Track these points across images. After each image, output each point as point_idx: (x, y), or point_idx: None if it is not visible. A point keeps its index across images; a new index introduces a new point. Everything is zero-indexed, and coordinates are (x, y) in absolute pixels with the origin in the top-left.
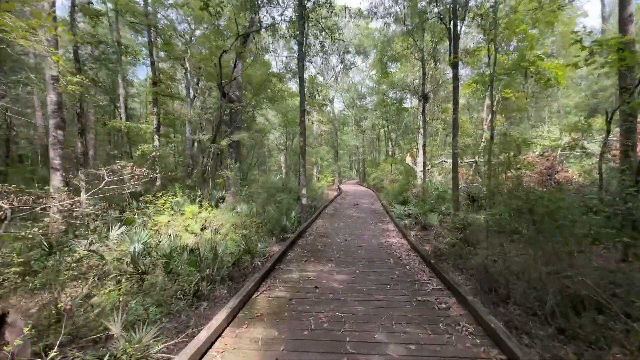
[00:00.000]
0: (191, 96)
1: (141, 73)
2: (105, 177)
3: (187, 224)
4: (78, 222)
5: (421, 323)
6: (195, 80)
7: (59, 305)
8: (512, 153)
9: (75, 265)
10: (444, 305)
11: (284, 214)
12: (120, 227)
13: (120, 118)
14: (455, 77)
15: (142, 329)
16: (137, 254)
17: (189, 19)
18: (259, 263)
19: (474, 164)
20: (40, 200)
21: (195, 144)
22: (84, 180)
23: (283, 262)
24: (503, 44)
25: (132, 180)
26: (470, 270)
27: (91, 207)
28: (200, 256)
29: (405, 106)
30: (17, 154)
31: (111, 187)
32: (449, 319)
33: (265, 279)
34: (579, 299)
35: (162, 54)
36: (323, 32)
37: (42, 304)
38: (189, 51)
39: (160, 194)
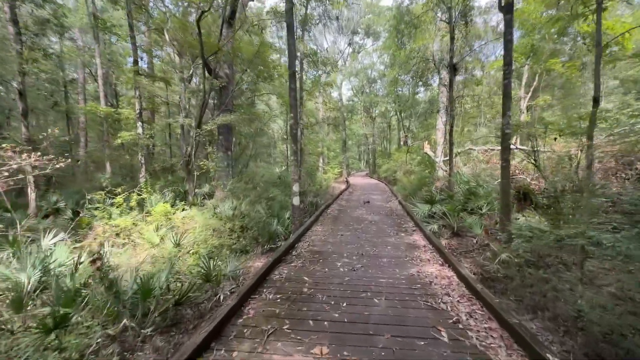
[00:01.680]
0: (185, 81)
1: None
2: None
3: (145, 230)
4: None
5: None
6: (187, 57)
7: None
8: None
9: None
10: None
11: (275, 216)
12: (56, 234)
13: (100, 103)
14: (509, 25)
15: None
16: (27, 289)
17: None
18: (226, 293)
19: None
20: None
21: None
22: (30, 172)
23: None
24: None
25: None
26: (547, 311)
27: None
28: (120, 293)
29: (422, 88)
30: None
31: None
32: None
33: None
34: None
35: (144, 30)
36: None
37: None
38: (169, 21)
39: (119, 190)
